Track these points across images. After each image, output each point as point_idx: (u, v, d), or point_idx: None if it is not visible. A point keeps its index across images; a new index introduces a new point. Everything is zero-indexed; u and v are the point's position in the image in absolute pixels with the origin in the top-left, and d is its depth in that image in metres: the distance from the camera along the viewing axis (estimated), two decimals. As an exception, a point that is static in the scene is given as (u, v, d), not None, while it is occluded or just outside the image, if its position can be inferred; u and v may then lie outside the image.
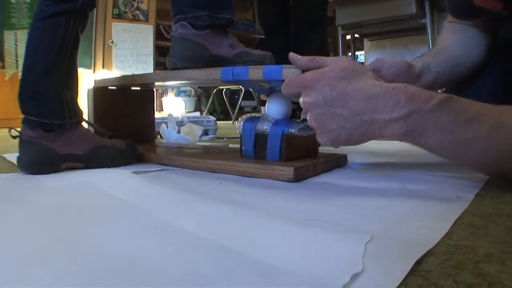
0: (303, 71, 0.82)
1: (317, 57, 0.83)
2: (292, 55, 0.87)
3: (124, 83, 1.42)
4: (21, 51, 5.77)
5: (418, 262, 0.41)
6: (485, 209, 0.63)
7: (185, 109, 5.62)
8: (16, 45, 5.83)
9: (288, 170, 0.89)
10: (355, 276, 0.37)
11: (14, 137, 1.06)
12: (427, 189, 0.80)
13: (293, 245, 0.47)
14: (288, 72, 0.89)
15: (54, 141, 1.06)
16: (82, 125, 1.15)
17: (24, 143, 1.05)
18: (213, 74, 1.09)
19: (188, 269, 0.41)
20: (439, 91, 1.30)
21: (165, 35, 1.29)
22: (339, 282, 0.36)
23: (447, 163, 0.93)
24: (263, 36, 2.52)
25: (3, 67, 5.73)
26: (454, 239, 0.48)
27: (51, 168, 1.06)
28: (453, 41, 1.17)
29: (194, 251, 0.46)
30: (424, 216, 0.60)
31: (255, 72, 0.98)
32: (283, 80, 0.85)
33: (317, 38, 2.51)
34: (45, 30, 1.09)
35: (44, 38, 1.09)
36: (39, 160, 1.05)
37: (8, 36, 5.82)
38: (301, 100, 0.78)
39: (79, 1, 1.12)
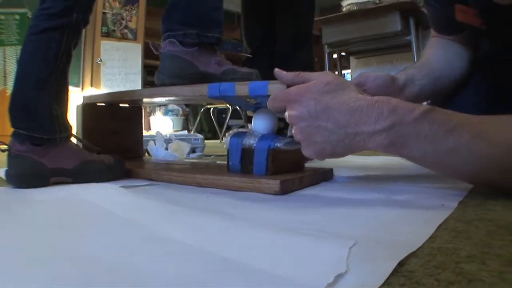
0: (288, 87, 0.83)
1: (302, 72, 0.85)
2: (277, 71, 0.88)
3: (113, 99, 1.42)
4: (10, 67, 5.77)
5: (401, 264, 0.41)
6: (467, 215, 0.64)
7: (173, 128, 5.61)
8: (4, 61, 5.83)
9: (274, 183, 0.90)
10: (339, 277, 0.38)
11: (3, 151, 1.07)
12: (412, 198, 0.81)
13: (278, 250, 0.47)
14: (273, 88, 0.91)
15: (43, 155, 1.07)
16: (71, 140, 1.16)
17: (13, 157, 1.05)
18: (200, 90, 1.10)
19: (174, 272, 0.41)
20: (424, 103, 1.32)
21: (154, 52, 1.31)
22: (323, 282, 0.36)
23: (431, 175, 0.94)
24: (250, 55, 2.54)
25: (-9, 84, 5.71)
26: (437, 242, 0.49)
27: (39, 182, 1.06)
28: (436, 55, 1.19)
29: (180, 256, 0.47)
30: (409, 223, 0.61)
31: (242, 88, 0.99)
32: (269, 96, 0.86)
33: (303, 56, 2.53)
34: (39, 44, 1.10)
35: (37, 52, 1.10)
36: (27, 174, 1.05)
37: (-3, 52, 5.81)
38: (286, 114, 0.79)
39: (73, 17, 1.13)
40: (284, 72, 0.87)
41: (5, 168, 1.06)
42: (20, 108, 1.09)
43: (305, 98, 0.76)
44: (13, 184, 1.06)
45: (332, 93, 0.75)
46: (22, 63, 1.12)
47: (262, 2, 2.58)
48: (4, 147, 1.06)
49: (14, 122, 1.08)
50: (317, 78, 0.79)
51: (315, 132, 0.75)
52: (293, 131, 0.79)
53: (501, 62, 1.15)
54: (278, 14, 2.56)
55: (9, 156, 1.06)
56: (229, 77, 1.27)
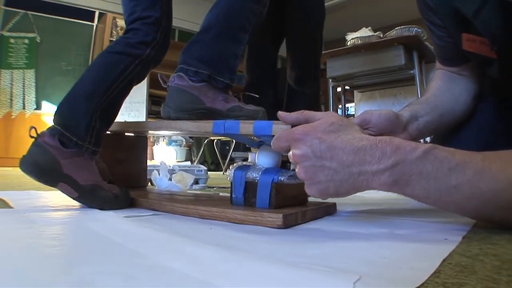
0: (293, 127, 0.84)
1: (306, 111, 0.86)
2: (280, 113, 0.90)
3: (118, 129, 1.43)
4: (16, 90, 5.83)
5: (405, 300, 0.41)
6: (472, 249, 0.64)
7: (176, 159, 5.62)
8: (11, 84, 5.89)
9: (277, 217, 0.89)
10: (342, 312, 0.38)
11: (31, 137, 1.10)
12: (415, 233, 0.81)
13: (280, 285, 0.47)
14: (278, 128, 0.93)
15: (65, 157, 1.09)
16: (95, 160, 1.18)
17: (37, 146, 1.08)
18: (205, 126, 1.12)
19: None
20: (427, 139, 1.32)
21: (162, 85, 1.32)
22: (326, 317, 0.36)
23: (434, 209, 0.94)
24: (256, 96, 2.57)
25: (-3, 105, 5.76)
26: (442, 277, 0.49)
27: (49, 180, 1.09)
28: (441, 90, 1.19)
29: (182, 287, 0.46)
30: (412, 258, 0.61)
31: (246, 127, 1.01)
32: (273, 136, 0.87)
33: (311, 90, 2.57)
34: (108, 61, 1.20)
35: (102, 67, 1.19)
36: (43, 166, 1.07)
37: (4, 75, 5.87)
38: (290, 153, 0.80)
39: (147, 52, 1.25)
40: (288, 113, 0.89)
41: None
42: (66, 107, 1.14)
43: (310, 137, 0.77)
44: (23, 170, 1.07)
45: (336, 133, 0.76)
46: (87, 71, 1.21)
47: (268, 38, 2.61)
48: (34, 134, 1.09)
49: (55, 117, 1.13)
50: (322, 118, 0.80)
51: (319, 171, 0.76)
52: (296, 170, 0.79)
53: (508, 91, 1.14)
54: (287, 48, 2.60)
55: (34, 144, 1.09)
56: (234, 114, 1.28)
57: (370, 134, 0.94)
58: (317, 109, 2.80)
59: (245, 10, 1.35)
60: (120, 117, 1.35)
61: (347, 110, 5.53)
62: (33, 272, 0.52)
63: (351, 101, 4.80)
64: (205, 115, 1.25)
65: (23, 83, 5.98)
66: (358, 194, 0.81)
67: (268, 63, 2.67)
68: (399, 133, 1.06)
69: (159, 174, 1.77)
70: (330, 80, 3.99)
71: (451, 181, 0.69)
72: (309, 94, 2.57)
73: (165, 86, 1.31)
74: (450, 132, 1.23)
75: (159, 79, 1.32)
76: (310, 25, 2.55)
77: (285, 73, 2.66)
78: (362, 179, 0.74)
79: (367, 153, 0.73)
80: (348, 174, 0.74)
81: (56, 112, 1.13)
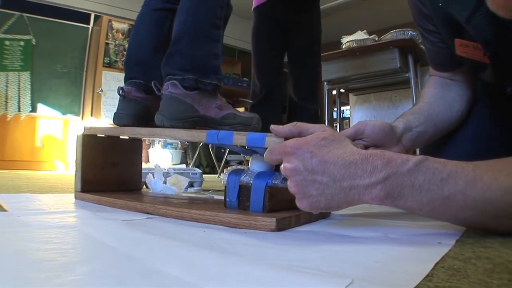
0: (286, 140, 0.85)
1: (299, 123, 0.88)
2: (273, 126, 0.91)
3: (113, 134, 1.43)
4: (11, 92, 5.83)
5: (397, 304, 0.41)
6: (465, 253, 0.64)
7: (172, 161, 5.62)
8: (6, 86, 5.89)
9: (270, 221, 0.89)
10: (334, 316, 0.38)
11: (120, 94, 1.40)
12: (409, 236, 0.81)
13: (273, 288, 0.47)
14: (270, 141, 0.94)
15: (150, 101, 1.38)
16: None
17: (127, 101, 1.41)
18: (199, 136, 1.12)
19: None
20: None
21: (156, 92, 1.32)
22: (318, 321, 0.36)
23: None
24: (250, 101, 2.67)
25: (-8, 108, 5.75)
26: (434, 281, 0.49)
27: (142, 123, 1.38)
28: (435, 98, 1.20)
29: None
30: (405, 261, 0.61)
31: (239, 138, 1.02)
32: (266, 148, 0.88)
33: (311, 107, 2.68)
34: (156, 18, 1.49)
35: (155, 24, 1.52)
36: (135, 114, 1.41)
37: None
38: (282, 166, 0.81)
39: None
40: (281, 126, 0.90)
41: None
42: (136, 64, 1.41)
43: (301, 151, 0.77)
44: (118, 122, 1.43)
45: (328, 147, 0.76)
46: (141, 30, 1.48)
47: (276, 52, 2.74)
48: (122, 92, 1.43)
49: (129, 73, 1.41)
50: (314, 132, 0.81)
51: (310, 185, 0.76)
52: (288, 184, 0.80)
53: (501, 96, 1.15)
54: (290, 65, 2.76)
55: (123, 99, 1.39)
56: (228, 122, 1.29)
57: (363, 145, 0.95)
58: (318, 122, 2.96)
59: (210, 7, 1.36)
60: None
61: (343, 113, 5.55)
62: (26, 275, 0.52)
63: (346, 104, 4.81)
64: (198, 123, 1.26)
65: (19, 86, 5.97)
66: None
67: (276, 74, 2.78)
68: (393, 144, 1.07)
69: (153, 177, 1.77)
70: (325, 83, 4.00)
71: (443, 191, 0.70)
72: (311, 109, 2.67)
73: (159, 94, 1.31)
74: (445, 137, 1.23)
75: (153, 86, 1.32)
76: (314, 52, 2.72)
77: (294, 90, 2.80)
78: (354, 193, 0.74)
79: (358, 167, 0.73)
80: (339, 188, 0.74)
81: (128, 67, 1.45)
